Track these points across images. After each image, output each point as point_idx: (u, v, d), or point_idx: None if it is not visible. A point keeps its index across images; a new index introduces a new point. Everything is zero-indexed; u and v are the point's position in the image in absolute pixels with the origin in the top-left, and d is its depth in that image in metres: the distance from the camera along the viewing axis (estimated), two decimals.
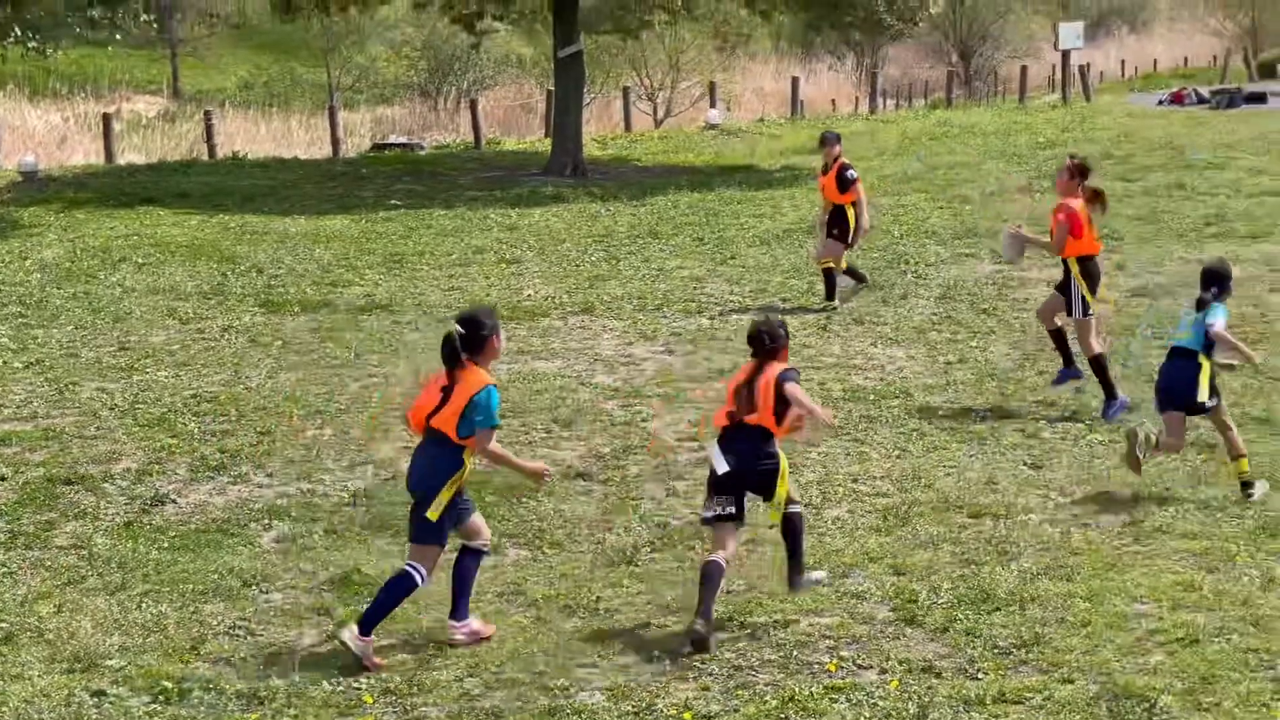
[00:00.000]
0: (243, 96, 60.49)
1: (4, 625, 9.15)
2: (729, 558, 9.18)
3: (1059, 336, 14.29)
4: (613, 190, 29.15)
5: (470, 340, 8.85)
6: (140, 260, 21.87)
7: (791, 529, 9.25)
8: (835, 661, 8.65)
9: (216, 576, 10.04)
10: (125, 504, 11.58)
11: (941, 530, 10.74)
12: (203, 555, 10.45)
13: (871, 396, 14.57)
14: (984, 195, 26.36)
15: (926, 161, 30.06)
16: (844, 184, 18.78)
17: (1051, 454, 12.65)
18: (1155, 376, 11.95)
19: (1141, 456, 11.29)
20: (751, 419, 9.17)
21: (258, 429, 13.55)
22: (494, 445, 8.87)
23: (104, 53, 56.58)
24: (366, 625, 8.77)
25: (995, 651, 8.66)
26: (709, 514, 9.27)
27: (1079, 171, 13.91)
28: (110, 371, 15.68)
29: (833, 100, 60.37)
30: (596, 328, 17.91)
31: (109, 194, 28.61)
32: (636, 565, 10.26)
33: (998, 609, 9.24)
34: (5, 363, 16.16)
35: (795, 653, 8.78)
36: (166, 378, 15.45)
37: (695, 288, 20.10)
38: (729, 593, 9.58)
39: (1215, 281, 11.56)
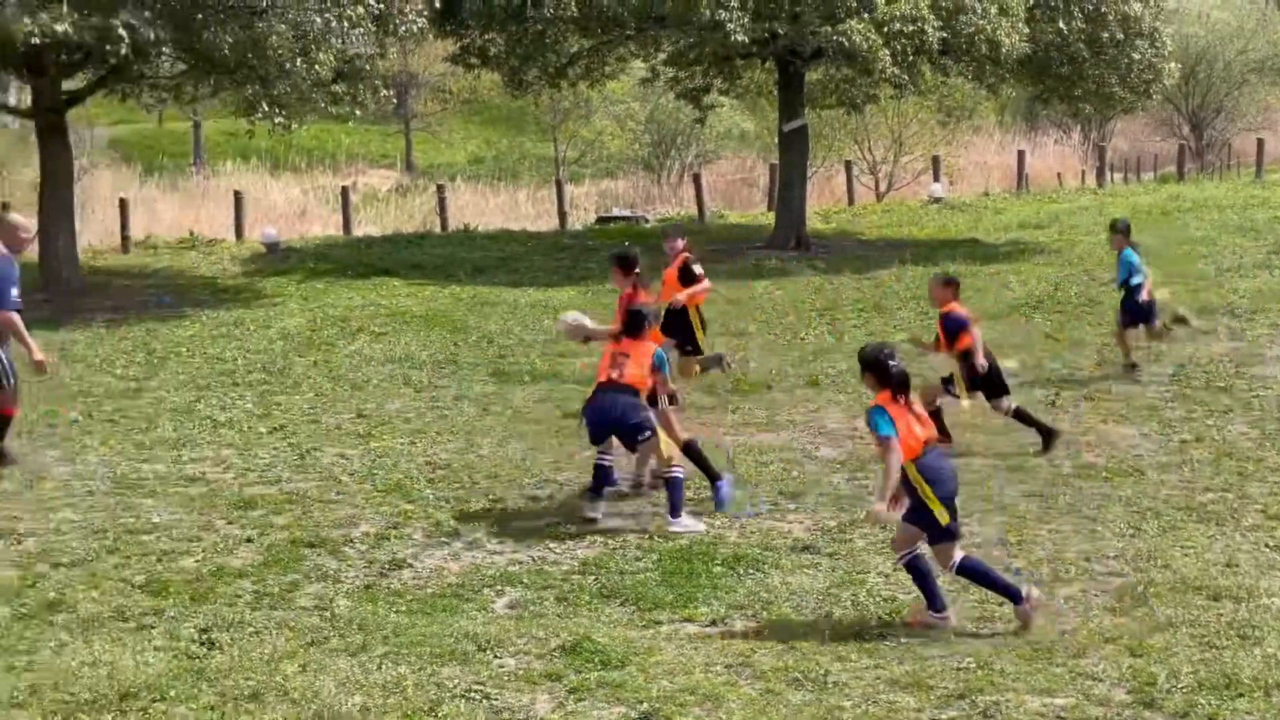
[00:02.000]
0: (473, 170, 61.72)
1: (251, 683, 9.43)
2: None
3: None
4: (836, 263, 29.20)
5: None
6: (376, 330, 22.44)
7: None
8: None
9: (452, 640, 10.23)
10: (365, 567, 11.88)
11: (1180, 612, 10.55)
12: (439, 619, 10.66)
13: (1103, 474, 14.39)
14: (1220, 270, 25.90)
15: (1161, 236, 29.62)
16: (688, 278, 17.11)
17: None
18: None
19: None
20: None
21: (490, 496, 13.81)
22: None
23: (342, 128, 58.21)
24: None
25: None
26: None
27: None
28: (349, 438, 16.12)
29: (1059, 174, 59.73)
30: (821, 401, 17.95)
31: (347, 265, 29.44)
32: (864, 639, 10.25)
33: (1241, 695, 9.05)
34: (250, 428, 16.71)
35: None
36: (402, 445, 15.84)
37: (921, 361, 20.03)
38: (958, 669, 9.54)
39: None
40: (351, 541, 12.51)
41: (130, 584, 11.42)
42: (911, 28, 28.72)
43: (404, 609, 10.89)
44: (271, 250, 31.45)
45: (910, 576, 10.61)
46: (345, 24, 24.71)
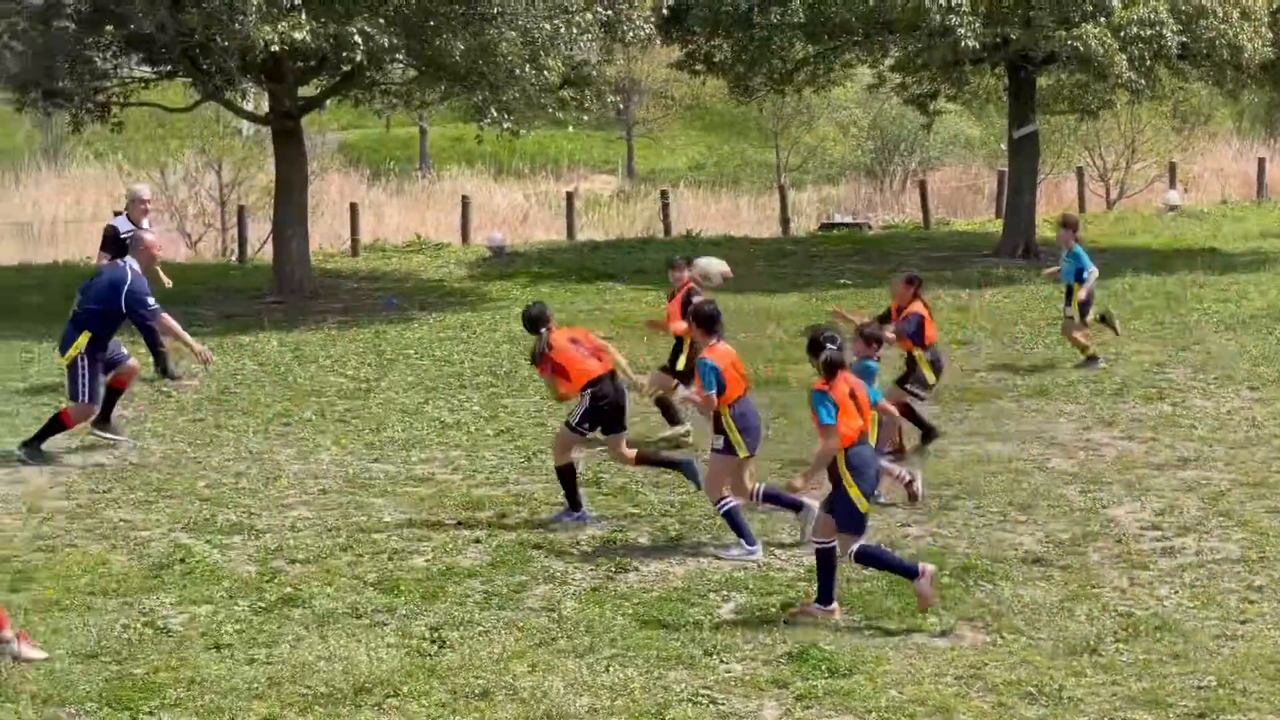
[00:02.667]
0: (694, 176, 61.81)
1: (481, 681, 9.53)
2: None
3: None
4: None
5: None
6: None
7: None
8: None
9: (678, 644, 10.24)
10: (591, 570, 11.95)
11: None
12: (665, 623, 10.68)
13: None
14: None
15: None
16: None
17: None
18: None
19: None
20: None
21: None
22: None
23: (565, 134, 58.65)
24: None
25: None
26: None
27: None
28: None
29: None
30: (1052, 411, 17.66)
31: (570, 269, 29.69)
32: (1100, 655, 10.03)
33: None
34: (478, 429, 16.92)
35: None
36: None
37: (1155, 373, 19.62)
38: (1199, 688, 9.30)
39: None
40: (578, 544, 12.60)
41: (363, 581, 11.63)
42: (1149, 32, 28.12)
43: (630, 612, 10.93)
44: (497, 254, 31.83)
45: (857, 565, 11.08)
46: (574, 31, 24.90)
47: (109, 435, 16.22)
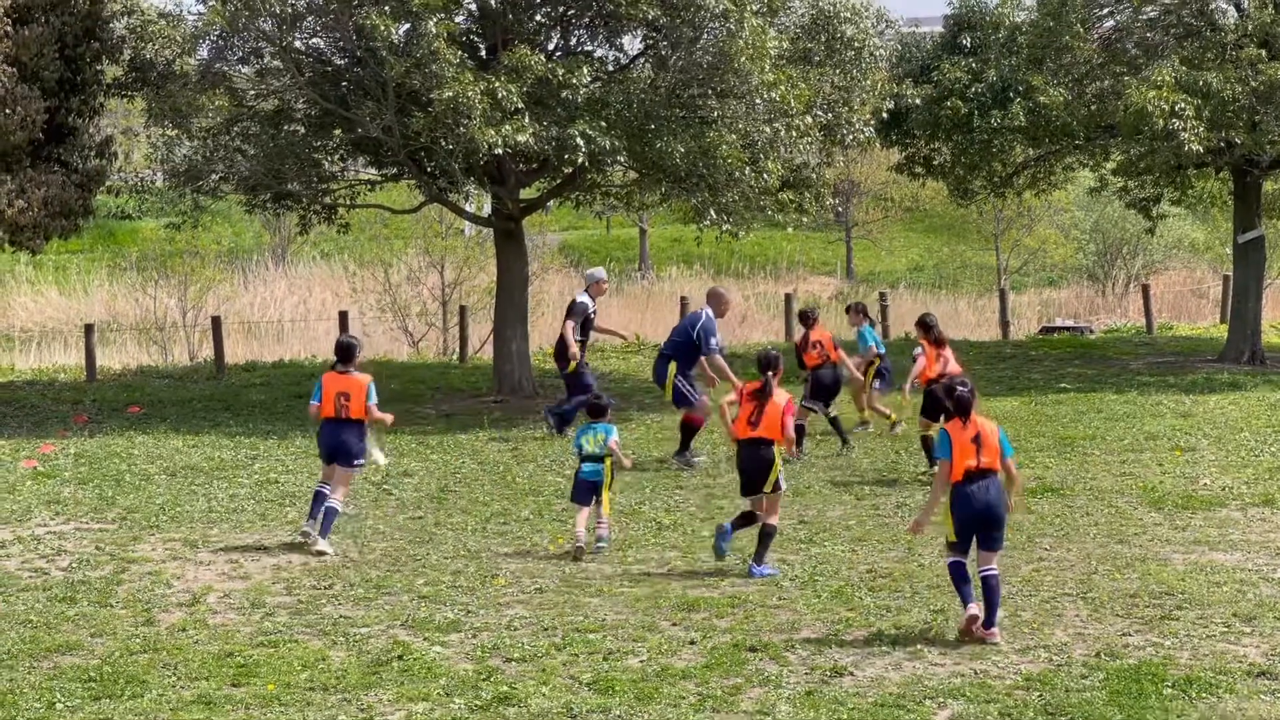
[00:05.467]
0: (913, 278, 61.63)
1: None
2: None
3: None
4: None
5: None
6: (819, 436, 22.53)
7: None
8: None
9: None
10: (806, 673, 11.88)
11: None
12: None
13: None
14: None
15: None
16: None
17: None
18: None
19: None
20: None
21: (931, 607, 13.66)
22: None
23: (783, 235, 58.95)
24: None
25: None
26: None
27: None
28: (790, 543, 16.17)
29: None
30: (1277, 520, 17.20)
31: (788, 371, 29.57)
32: None
33: None
34: (694, 531, 16.95)
35: None
36: (843, 552, 15.83)
37: None
38: None
39: None
40: (793, 647, 12.54)
41: (578, 681, 11.70)
42: None
43: (845, 716, 10.84)
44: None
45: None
46: (794, 134, 25.05)
47: (685, 463, 20.64)
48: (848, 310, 24.32)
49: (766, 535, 15.02)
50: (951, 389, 13.13)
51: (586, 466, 16.26)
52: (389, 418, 16.58)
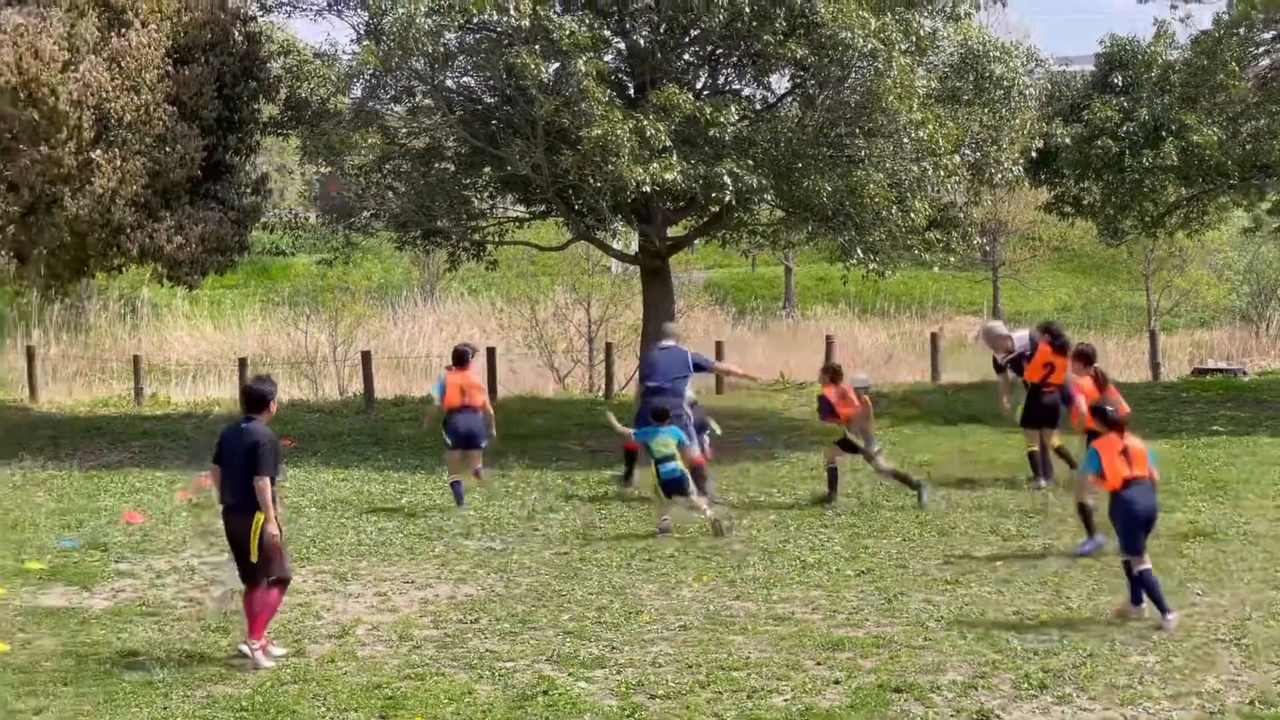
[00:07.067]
0: (1061, 318, 60.85)
1: None
2: None
3: None
4: None
5: None
6: (959, 476, 22.36)
7: None
8: None
9: None
10: (952, 716, 11.78)
11: None
12: None
13: None
14: None
15: None
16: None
17: None
18: None
19: None
20: None
21: (1081, 650, 13.49)
22: None
23: (929, 274, 58.49)
24: None
25: None
26: None
27: None
28: (936, 584, 16.06)
29: None
30: None
31: (935, 411, 29.52)
32: None
33: None
34: (838, 570, 16.88)
35: None
36: (989, 593, 15.67)
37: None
38: None
39: None
40: (938, 689, 12.44)
41: (722, 718, 11.68)
42: None
43: None
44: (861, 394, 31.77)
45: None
46: (941, 173, 24.94)
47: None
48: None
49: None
50: (1103, 410, 14.79)
51: (664, 467, 18.57)
52: None
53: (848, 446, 20.66)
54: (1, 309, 46.80)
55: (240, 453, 13.32)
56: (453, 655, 13.61)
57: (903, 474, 20.95)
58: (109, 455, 25.96)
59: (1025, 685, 12.56)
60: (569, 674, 12.96)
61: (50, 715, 12.09)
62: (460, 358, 20.58)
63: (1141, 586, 14.19)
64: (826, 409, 20.75)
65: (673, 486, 18.63)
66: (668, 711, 11.90)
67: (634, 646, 13.82)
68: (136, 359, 35.78)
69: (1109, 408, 14.72)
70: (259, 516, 13.18)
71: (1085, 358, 18.93)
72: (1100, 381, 18.49)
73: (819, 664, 13.20)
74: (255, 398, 13.66)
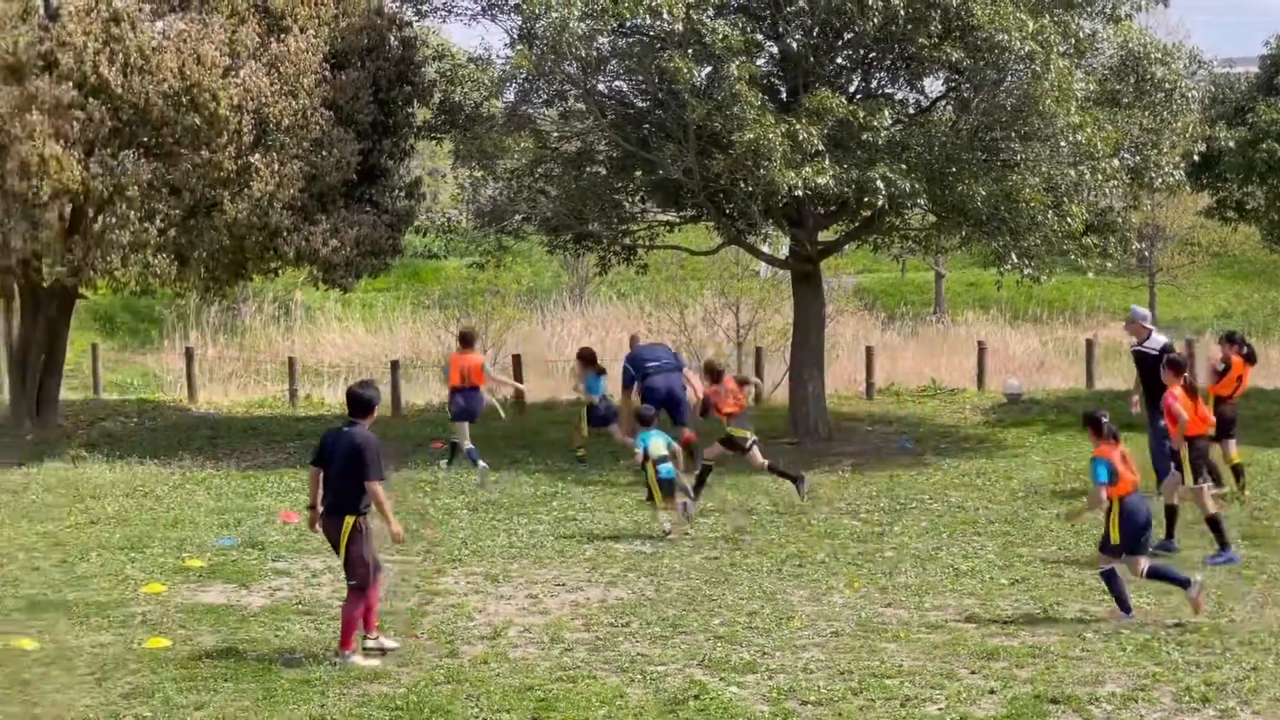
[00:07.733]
0: (1220, 325, 59.78)
1: None
2: None
3: None
4: None
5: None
6: None
7: None
8: None
9: None
10: None
11: None
12: None
13: None
14: None
15: None
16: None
17: None
18: None
19: None
20: None
21: (1245, 663, 13.19)
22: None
23: (1084, 280, 57.61)
24: None
25: None
26: None
27: None
28: (1092, 594, 15.75)
29: None
30: None
31: None
32: None
33: None
34: (991, 578, 16.60)
35: None
36: (1148, 603, 15.34)
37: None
38: None
39: None
40: (1097, 700, 12.23)
41: None
42: None
43: None
44: (1013, 401, 31.44)
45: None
46: (1099, 178, 24.53)
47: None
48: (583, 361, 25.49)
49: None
50: (1096, 416, 14.95)
51: (663, 468, 19.21)
52: None
53: (730, 444, 21.10)
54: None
55: (341, 456, 13.43)
56: (604, 658, 13.61)
57: (780, 468, 21.37)
58: (265, 455, 26.31)
59: (1187, 698, 12.32)
60: (720, 679, 12.91)
61: (210, 711, 12.25)
62: (466, 340, 23.74)
63: (1105, 582, 14.86)
64: (709, 406, 21.35)
65: (671, 486, 19.32)
66: (819, 718, 11.82)
67: (785, 652, 13.74)
68: (291, 361, 36.22)
69: (1103, 419, 14.86)
70: (349, 520, 13.41)
71: (1178, 367, 18.67)
72: (1190, 391, 18.39)
73: (973, 673, 13.04)
74: (360, 402, 13.68)
